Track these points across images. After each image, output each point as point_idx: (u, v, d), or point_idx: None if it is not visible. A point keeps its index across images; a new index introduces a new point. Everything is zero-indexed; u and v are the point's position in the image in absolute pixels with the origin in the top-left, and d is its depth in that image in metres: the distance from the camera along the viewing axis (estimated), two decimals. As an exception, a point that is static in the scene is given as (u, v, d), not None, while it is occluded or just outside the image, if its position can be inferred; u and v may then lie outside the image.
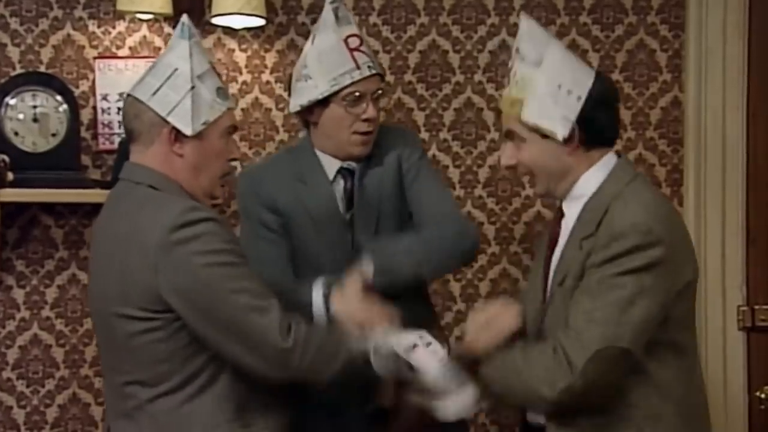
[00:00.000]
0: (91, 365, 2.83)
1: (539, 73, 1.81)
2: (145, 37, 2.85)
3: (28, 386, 2.83)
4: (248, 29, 2.85)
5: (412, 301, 2.18)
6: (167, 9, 2.70)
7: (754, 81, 2.89)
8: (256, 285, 1.80)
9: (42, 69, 2.81)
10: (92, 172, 2.82)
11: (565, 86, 1.80)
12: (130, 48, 2.84)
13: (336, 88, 2.18)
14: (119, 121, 2.73)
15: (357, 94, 2.19)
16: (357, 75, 2.19)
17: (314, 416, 2.15)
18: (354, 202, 2.25)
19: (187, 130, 1.84)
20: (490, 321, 1.88)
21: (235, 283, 1.76)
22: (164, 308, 1.75)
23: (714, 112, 2.88)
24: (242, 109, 2.88)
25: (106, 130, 2.82)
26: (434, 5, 2.92)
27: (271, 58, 2.89)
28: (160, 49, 2.78)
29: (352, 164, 2.27)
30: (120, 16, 2.81)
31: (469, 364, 1.83)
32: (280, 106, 2.88)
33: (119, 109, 2.70)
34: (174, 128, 1.84)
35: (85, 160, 2.82)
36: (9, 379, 2.82)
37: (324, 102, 2.21)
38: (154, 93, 1.84)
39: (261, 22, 2.79)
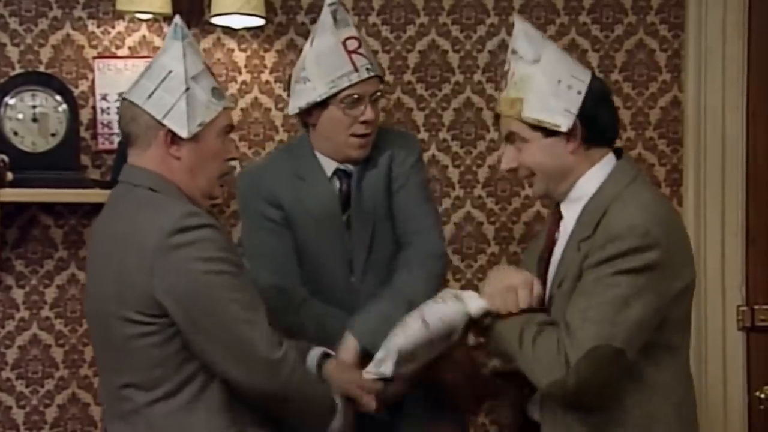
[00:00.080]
0: (91, 365, 2.83)
1: (538, 70, 1.81)
2: (144, 36, 2.85)
3: (27, 386, 2.83)
4: (248, 29, 2.85)
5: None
6: (166, 9, 2.70)
7: (754, 81, 2.89)
8: (249, 296, 1.80)
9: (41, 69, 2.80)
10: (92, 172, 2.82)
11: (565, 81, 1.80)
12: (130, 48, 2.84)
13: (334, 90, 2.18)
14: (118, 123, 2.73)
15: (355, 96, 2.19)
16: (355, 78, 2.19)
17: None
18: (351, 205, 2.25)
19: (183, 133, 1.84)
20: (509, 289, 1.82)
21: (228, 293, 1.75)
22: (160, 312, 1.74)
23: (713, 111, 2.87)
24: (241, 109, 2.88)
25: (106, 130, 2.82)
26: (434, 5, 2.92)
27: (270, 58, 2.89)
28: (159, 49, 2.77)
29: (349, 166, 2.27)
30: (119, 15, 2.81)
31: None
32: (280, 106, 2.88)
33: (119, 109, 2.70)
34: (170, 131, 1.84)
35: (85, 160, 2.82)
36: (8, 379, 2.82)
37: (322, 104, 2.21)
38: (150, 96, 1.84)
39: (260, 21, 2.79)
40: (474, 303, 1.83)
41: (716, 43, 2.87)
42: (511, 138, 1.86)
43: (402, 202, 2.27)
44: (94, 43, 2.84)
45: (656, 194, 1.83)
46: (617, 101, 2.54)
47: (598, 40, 2.93)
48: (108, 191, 2.03)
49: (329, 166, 2.27)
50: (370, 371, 1.92)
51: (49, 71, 2.79)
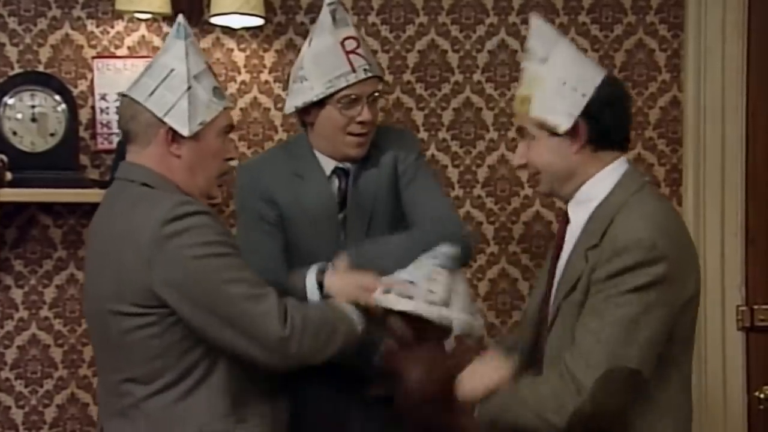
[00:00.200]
0: (90, 365, 2.83)
1: (545, 70, 1.82)
2: (143, 36, 2.84)
3: (26, 386, 2.83)
4: (247, 29, 2.85)
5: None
6: (166, 8, 2.70)
7: (754, 80, 2.89)
8: (250, 275, 1.80)
9: (40, 69, 2.80)
10: (91, 172, 2.82)
11: (570, 83, 1.80)
12: (129, 48, 2.84)
13: (331, 90, 2.18)
14: (118, 121, 2.73)
15: (353, 97, 2.19)
16: (352, 78, 2.18)
17: (312, 408, 2.16)
18: (347, 203, 2.25)
19: (184, 131, 1.84)
20: (478, 372, 1.86)
21: (229, 274, 1.76)
22: (158, 303, 1.75)
23: (713, 111, 2.87)
24: (241, 109, 2.88)
25: (105, 129, 2.82)
26: (433, 5, 2.92)
27: (269, 58, 2.89)
28: (158, 48, 2.76)
29: (348, 165, 2.27)
30: (118, 15, 2.81)
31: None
32: (279, 105, 2.87)
33: (118, 108, 2.70)
34: (171, 129, 1.84)
35: (84, 159, 2.82)
36: (7, 379, 2.82)
37: (320, 103, 2.20)
38: (151, 94, 1.85)
39: (260, 21, 2.79)
40: (457, 322, 1.87)
41: (716, 43, 2.87)
42: (522, 134, 1.88)
43: (414, 194, 2.27)
44: (93, 42, 2.83)
45: (662, 203, 1.81)
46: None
47: (597, 39, 2.93)
48: (106, 191, 2.04)
49: (328, 164, 2.27)
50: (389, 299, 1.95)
51: (48, 71, 2.79)
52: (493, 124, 2.92)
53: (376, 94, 2.26)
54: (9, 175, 2.61)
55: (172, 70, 1.87)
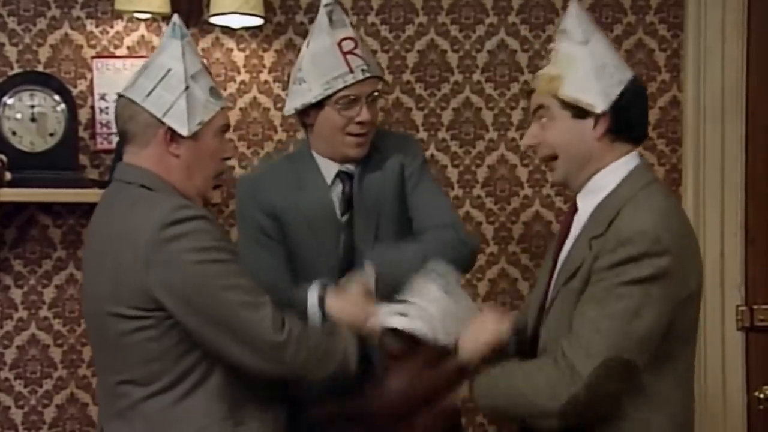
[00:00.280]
0: (89, 365, 2.83)
1: (586, 51, 1.83)
2: (143, 36, 2.84)
3: (25, 386, 2.83)
4: (246, 29, 2.85)
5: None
6: (165, 8, 2.70)
7: (754, 80, 2.89)
8: (247, 281, 1.80)
9: (40, 68, 2.80)
10: (90, 172, 2.82)
11: (609, 69, 1.81)
12: (128, 47, 2.84)
13: (329, 91, 2.18)
14: (115, 122, 2.73)
15: (351, 97, 2.19)
16: (350, 79, 2.18)
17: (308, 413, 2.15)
18: (353, 206, 2.25)
19: (183, 131, 1.84)
20: (478, 330, 1.88)
21: (226, 280, 1.76)
22: (155, 306, 1.75)
23: (713, 111, 2.87)
24: (240, 109, 2.88)
25: (104, 129, 2.82)
26: (433, 5, 2.91)
27: (269, 58, 2.89)
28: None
29: (351, 168, 2.27)
30: (118, 15, 2.81)
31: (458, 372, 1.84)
32: (279, 105, 2.87)
33: (116, 107, 2.70)
34: (170, 129, 1.84)
35: (83, 159, 2.82)
36: (7, 379, 2.82)
37: (318, 105, 2.20)
38: (149, 94, 1.85)
39: (259, 21, 2.79)
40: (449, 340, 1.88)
41: (715, 43, 2.87)
42: (538, 114, 1.86)
43: (419, 199, 2.28)
44: (93, 42, 2.83)
45: (669, 200, 1.81)
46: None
47: (597, 39, 2.93)
48: (106, 191, 2.03)
49: (328, 168, 2.27)
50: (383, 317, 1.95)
51: (48, 71, 2.79)
52: (492, 124, 2.92)
53: (376, 94, 2.26)
54: (8, 175, 2.61)
55: (169, 70, 1.87)
